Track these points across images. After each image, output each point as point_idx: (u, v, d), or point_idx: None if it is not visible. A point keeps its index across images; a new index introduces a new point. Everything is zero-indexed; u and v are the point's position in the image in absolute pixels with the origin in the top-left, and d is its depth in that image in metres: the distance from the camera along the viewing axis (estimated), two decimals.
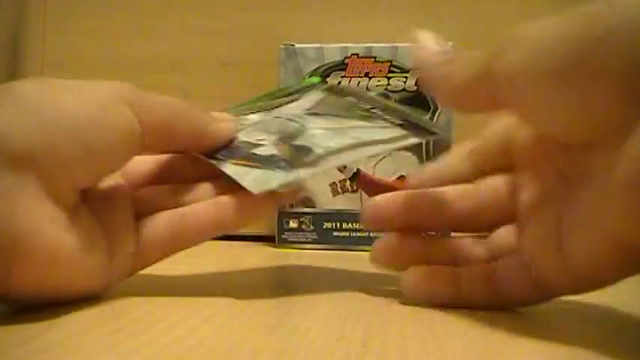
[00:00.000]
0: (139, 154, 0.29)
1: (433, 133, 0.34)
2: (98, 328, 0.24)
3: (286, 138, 0.33)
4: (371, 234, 0.51)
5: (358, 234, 0.51)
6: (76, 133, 0.25)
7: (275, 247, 0.52)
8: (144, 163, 0.33)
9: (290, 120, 0.35)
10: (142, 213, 0.30)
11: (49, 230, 0.24)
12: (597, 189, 0.23)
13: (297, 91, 0.40)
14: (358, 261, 0.46)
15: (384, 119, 0.35)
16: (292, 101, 0.38)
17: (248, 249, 0.50)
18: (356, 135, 0.33)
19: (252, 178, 0.30)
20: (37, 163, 0.24)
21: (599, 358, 0.22)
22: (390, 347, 0.23)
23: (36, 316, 0.24)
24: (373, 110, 0.36)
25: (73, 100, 0.26)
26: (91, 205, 0.28)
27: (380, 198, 0.31)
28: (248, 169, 0.31)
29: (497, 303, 0.28)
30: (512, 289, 0.28)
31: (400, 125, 0.34)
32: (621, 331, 0.28)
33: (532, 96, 0.24)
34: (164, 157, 0.33)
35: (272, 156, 0.32)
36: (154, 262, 0.30)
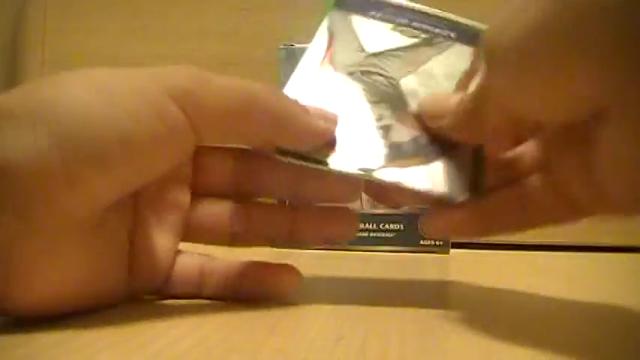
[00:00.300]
0: (191, 148, 0.26)
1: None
2: (98, 329, 0.24)
3: (392, 101, 0.29)
4: (371, 234, 0.51)
5: (358, 234, 0.51)
6: (95, 152, 0.23)
7: (275, 247, 0.52)
8: (221, 164, 0.30)
9: (370, 74, 0.30)
10: (191, 234, 0.30)
11: (57, 251, 0.23)
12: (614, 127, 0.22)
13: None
14: (358, 261, 0.46)
15: (438, 35, 0.31)
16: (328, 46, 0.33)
17: (248, 249, 0.50)
18: (437, 71, 0.30)
19: (443, 181, 0.27)
20: (46, 185, 0.22)
21: (600, 358, 0.22)
22: (389, 347, 0.23)
23: (35, 316, 0.24)
24: (416, 25, 0.32)
25: (96, 112, 0.23)
26: (137, 213, 0.27)
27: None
28: (410, 169, 0.27)
29: (528, 223, 0.28)
30: (543, 209, 0.27)
31: (458, 39, 0.31)
32: (622, 331, 0.28)
33: (511, 85, 0.23)
34: (244, 157, 0.30)
35: (415, 139, 0.28)
36: (182, 296, 0.29)
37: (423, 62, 0.31)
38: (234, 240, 0.30)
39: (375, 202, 0.33)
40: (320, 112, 0.28)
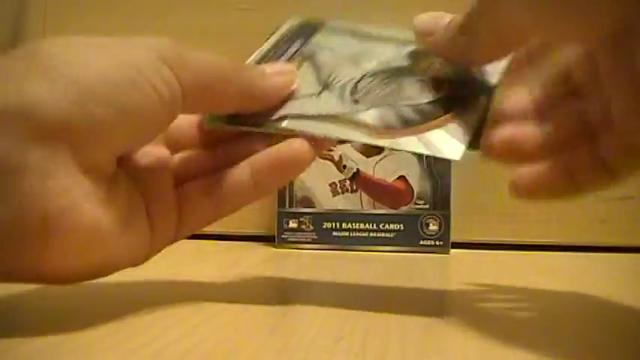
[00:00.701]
0: (177, 115, 0.27)
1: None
2: (98, 328, 0.24)
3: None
4: (371, 234, 0.51)
5: (358, 234, 0.51)
6: (112, 97, 0.23)
7: (275, 246, 0.52)
8: (188, 123, 0.31)
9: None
10: (181, 179, 0.29)
11: (85, 208, 0.23)
12: None
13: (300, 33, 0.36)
14: (358, 261, 0.46)
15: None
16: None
17: (248, 249, 0.50)
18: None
19: (439, 141, 0.27)
20: (70, 133, 0.22)
21: (600, 358, 0.22)
22: (389, 347, 0.23)
23: (36, 316, 0.24)
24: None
25: (106, 62, 0.24)
26: (130, 172, 0.27)
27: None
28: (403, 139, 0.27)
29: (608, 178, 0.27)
30: (614, 161, 0.27)
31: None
32: (622, 331, 0.28)
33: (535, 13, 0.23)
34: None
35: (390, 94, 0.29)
36: (197, 230, 0.29)
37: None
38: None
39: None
40: (276, 69, 0.30)
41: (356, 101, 0.30)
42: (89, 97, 0.23)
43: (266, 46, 0.34)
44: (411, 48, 0.32)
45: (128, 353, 0.21)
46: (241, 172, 0.29)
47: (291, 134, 0.28)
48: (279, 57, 0.33)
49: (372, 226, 0.51)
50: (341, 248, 0.51)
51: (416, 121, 0.28)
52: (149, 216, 0.27)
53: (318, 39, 0.34)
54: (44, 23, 0.64)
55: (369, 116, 0.29)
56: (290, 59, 0.32)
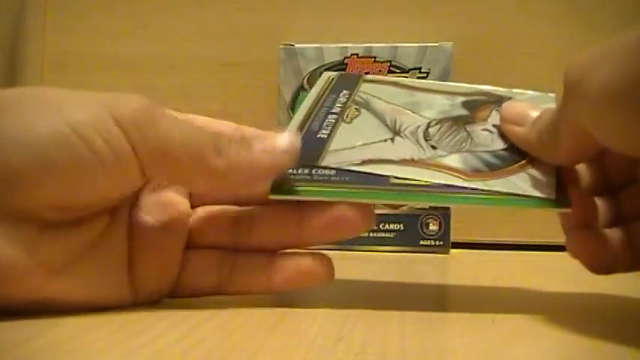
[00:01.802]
0: (137, 181, 0.26)
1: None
2: (98, 328, 0.24)
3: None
4: (371, 234, 0.51)
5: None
6: (34, 150, 0.23)
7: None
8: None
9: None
10: (194, 242, 0.29)
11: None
12: None
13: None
14: (358, 261, 0.46)
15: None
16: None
17: None
18: None
19: (530, 182, 0.28)
20: None
21: (600, 358, 0.22)
22: (389, 347, 0.23)
23: (36, 316, 0.24)
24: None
25: (45, 116, 0.24)
26: (135, 220, 0.28)
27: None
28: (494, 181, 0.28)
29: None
30: None
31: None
32: (622, 331, 0.28)
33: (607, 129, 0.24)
34: None
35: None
36: (198, 295, 0.29)
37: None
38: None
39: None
40: (268, 146, 0.27)
41: (434, 147, 0.30)
42: (10, 149, 0.23)
43: (308, 100, 0.34)
44: (461, 99, 0.33)
45: (128, 353, 0.21)
46: (260, 259, 0.29)
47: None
48: (328, 109, 0.33)
49: None
50: (341, 248, 0.51)
51: (499, 166, 0.29)
52: (132, 265, 0.27)
53: (365, 89, 0.34)
54: (44, 23, 0.64)
55: (453, 160, 0.29)
56: (344, 108, 0.33)
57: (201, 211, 0.30)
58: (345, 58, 0.53)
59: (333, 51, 0.53)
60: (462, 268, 0.46)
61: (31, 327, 0.23)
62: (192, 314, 0.26)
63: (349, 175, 0.29)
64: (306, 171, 0.29)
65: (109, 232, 0.27)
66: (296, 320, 0.27)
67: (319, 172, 0.29)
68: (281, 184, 0.28)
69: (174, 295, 0.29)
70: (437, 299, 0.34)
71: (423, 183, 0.28)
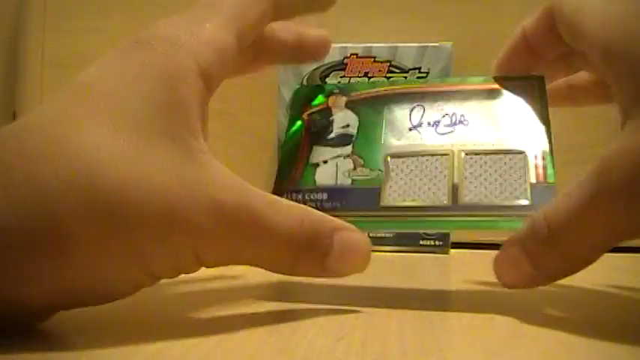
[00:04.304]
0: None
1: None
2: (98, 329, 0.24)
3: None
4: (371, 234, 0.51)
5: None
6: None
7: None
8: None
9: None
10: None
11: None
12: None
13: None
14: None
15: None
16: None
17: None
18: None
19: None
20: None
21: (600, 358, 0.22)
22: (389, 347, 0.23)
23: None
24: None
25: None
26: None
27: None
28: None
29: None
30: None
31: None
32: (622, 331, 0.28)
33: None
34: None
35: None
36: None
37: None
38: None
39: None
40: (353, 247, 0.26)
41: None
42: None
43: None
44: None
45: (128, 353, 0.21)
46: None
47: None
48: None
49: None
50: None
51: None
52: None
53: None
54: (44, 23, 0.64)
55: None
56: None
57: None
58: (344, 58, 0.53)
59: (332, 51, 0.53)
60: (462, 268, 0.46)
61: (30, 327, 0.23)
62: (192, 314, 0.26)
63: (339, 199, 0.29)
64: (299, 196, 0.29)
65: None
66: (296, 320, 0.27)
67: (312, 196, 0.29)
68: None
69: None
70: (437, 299, 0.34)
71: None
